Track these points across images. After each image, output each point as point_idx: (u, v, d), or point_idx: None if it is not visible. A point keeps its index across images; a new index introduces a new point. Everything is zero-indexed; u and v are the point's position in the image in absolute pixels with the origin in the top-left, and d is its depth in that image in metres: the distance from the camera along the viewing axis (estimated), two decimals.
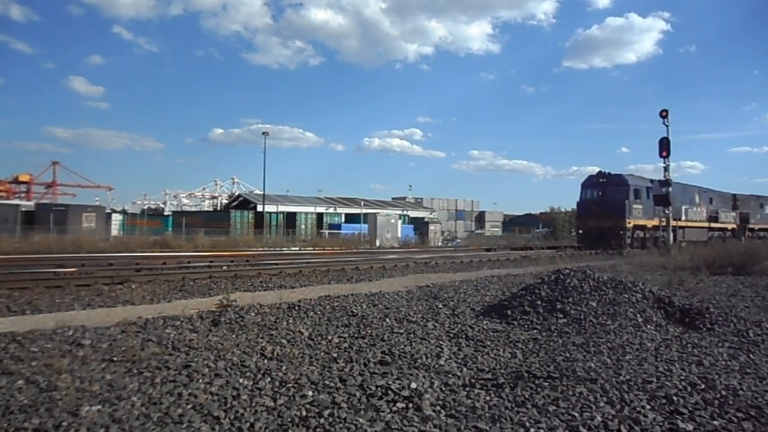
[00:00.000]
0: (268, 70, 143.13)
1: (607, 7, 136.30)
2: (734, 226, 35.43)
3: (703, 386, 4.23)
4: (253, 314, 6.95)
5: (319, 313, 7.27)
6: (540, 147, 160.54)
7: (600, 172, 28.36)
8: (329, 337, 5.83)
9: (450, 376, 4.49)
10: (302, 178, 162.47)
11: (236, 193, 72.56)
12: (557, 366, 4.76)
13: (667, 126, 23.38)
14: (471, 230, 73.03)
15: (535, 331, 6.46)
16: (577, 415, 3.59)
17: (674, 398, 3.92)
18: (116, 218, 41.23)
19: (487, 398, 3.94)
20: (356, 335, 6.02)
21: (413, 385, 4.10)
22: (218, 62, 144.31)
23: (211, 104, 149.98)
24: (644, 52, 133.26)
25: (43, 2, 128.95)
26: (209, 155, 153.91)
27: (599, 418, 3.51)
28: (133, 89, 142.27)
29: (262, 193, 48.13)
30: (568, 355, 5.26)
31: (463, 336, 6.10)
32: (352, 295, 9.04)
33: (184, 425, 3.32)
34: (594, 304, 7.06)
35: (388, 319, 6.90)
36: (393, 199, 71.62)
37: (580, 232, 29.31)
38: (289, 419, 3.45)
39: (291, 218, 44.10)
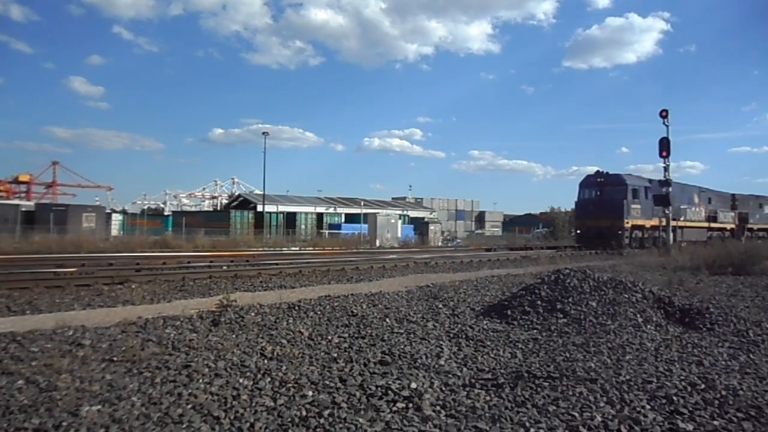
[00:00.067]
0: (268, 70, 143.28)
1: (607, 7, 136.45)
2: (733, 226, 35.40)
3: (703, 386, 4.23)
4: (253, 314, 6.95)
5: (319, 313, 7.27)
6: (540, 147, 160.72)
7: (598, 171, 28.33)
8: (329, 337, 5.83)
9: (450, 376, 4.49)
10: (302, 178, 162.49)
11: (236, 193, 72.58)
12: (557, 366, 4.76)
13: (667, 126, 23.37)
14: (471, 230, 73.04)
15: (535, 331, 6.46)
16: (577, 415, 3.59)
17: (674, 398, 3.92)
18: (116, 218, 41.22)
19: (487, 398, 3.94)
20: (356, 335, 6.02)
21: (413, 385, 4.10)
22: (218, 62, 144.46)
23: (211, 104, 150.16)
24: (644, 52, 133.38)
25: (43, 2, 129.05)
26: (209, 155, 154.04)
27: (599, 418, 3.51)
28: (133, 89, 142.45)
29: (262, 193, 48.15)
30: (568, 355, 5.26)
31: (463, 336, 6.10)
32: (352, 295, 9.04)
33: (184, 425, 3.32)
34: (594, 304, 7.06)
35: (388, 319, 6.90)
36: (393, 199, 71.62)
37: (578, 232, 29.21)
38: (289, 419, 3.45)
39: (291, 218, 44.10)
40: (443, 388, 4.14)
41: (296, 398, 3.85)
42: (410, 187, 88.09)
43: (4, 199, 60.09)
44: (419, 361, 4.93)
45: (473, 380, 4.38)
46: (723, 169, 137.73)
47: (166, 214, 62.99)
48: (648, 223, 27.53)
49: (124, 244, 23.66)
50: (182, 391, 3.93)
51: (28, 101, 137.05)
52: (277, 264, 14.55)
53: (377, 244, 31.02)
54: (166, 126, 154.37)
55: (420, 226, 40.14)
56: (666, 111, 23.43)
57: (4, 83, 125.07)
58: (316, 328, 6.35)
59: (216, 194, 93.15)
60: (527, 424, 3.42)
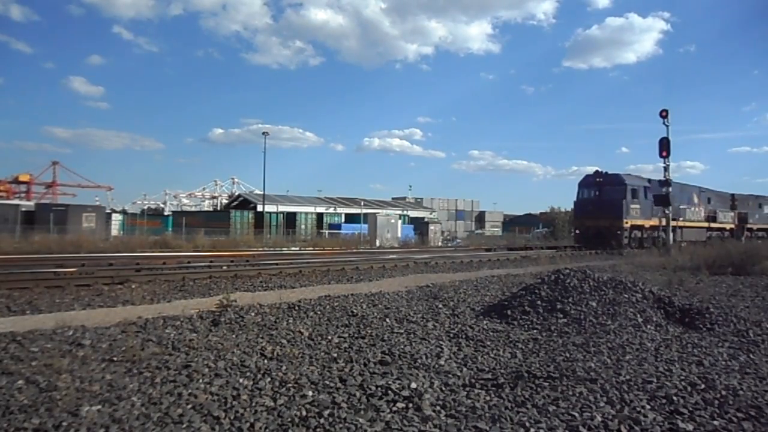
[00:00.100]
0: (268, 70, 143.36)
1: (607, 7, 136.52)
2: (732, 226, 35.36)
3: (703, 386, 4.23)
4: (253, 314, 6.95)
5: (319, 313, 7.27)
6: (540, 147, 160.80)
7: (597, 171, 28.25)
8: (329, 337, 5.83)
9: (450, 376, 4.49)
10: (302, 178, 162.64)
11: (236, 193, 72.58)
12: (557, 366, 4.76)
13: (667, 126, 23.37)
14: (471, 230, 73.05)
15: (535, 331, 6.46)
16: (577, 415, 3.59)
17: (674, 398, 3.92)
18: (116, 218, 41.23)
19: (487, 398, 3.94)
20: (356, 335, 6.02)
21: (413, 385, 4.10)
22: (218, 62, 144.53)
23: (211, 104, 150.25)
24: (644, 52, 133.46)
25: (43, 2, 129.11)
26: (209, 155, 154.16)
27: (599, 418, 3.51)
28: (133, 89, 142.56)
29: (262, 193, 48.15)
30: (568, 355, 5.26)
31: (463, 336, 6.10)
32: (352, 295, 9.04)
33: (184, 425, 3.32)
34: (594, 304, 7.06)
35: (388, 319, 6.90)
36: (393, 199, 71.62)
37: (577, 232, 29.11)
38: (289, 419, 3.45)
39: (291, 218, 44.11)
40: (443, 388, 4.14)
41: (296, 398, 3.85)
42: (410, 187, 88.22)
43: (4, 199, 60.11)
44: (419, 361, 4.93)
45: (473, 380, 4.38)
46: (723, 169, 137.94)
47: (166, 214, 62.99)
48: (647, 223, 27.49)
49: (124, 244, 23.66)
50: (182, 391, 3.93)
51: (28, 101, 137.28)
52: (277, 264, 14.54)
53: (377, 244, 31.02)
54: (166, 126, 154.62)
55: (420, 226, 40.13)
56: (666, 111, 23.44)
57: (4, 83, 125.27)
58: (316, 328, 6.35)
59: (216, 194, 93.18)
60: (527, 424, 3.42)
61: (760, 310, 8.36)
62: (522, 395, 3.98)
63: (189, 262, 14.91)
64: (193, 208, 79.10)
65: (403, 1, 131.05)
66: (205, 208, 79.38)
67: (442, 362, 4.91)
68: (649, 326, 6.55)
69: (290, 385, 4.15)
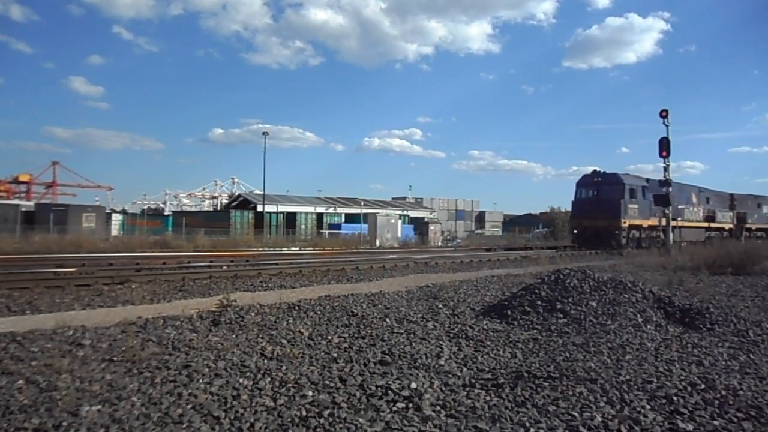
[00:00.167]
0: (268, 70, 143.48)
1: (607, 7, 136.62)
2: (731, 226, 35.29)
3: (703, 386, 4.23)
4: (253, 314, 6.95)
5: (319, 313, 7.27)
6: (540, 147, 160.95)
7: (595, 171, 28.05)
8: (329, 337, 5.83)
9: (450, 376, 4.49)
10: (302, 178, 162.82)
11: (236, 193, 72.58)
12: (557, 366, 4.76)
13: (667, 126, 23.36)
14: (471, 230, 73.02)
15: (535, 331, 6.46)
16: (577, 415, 3.59)
17: (674, 398, 3.92)
18: (116, 218, 41.22)
19: (487, 398, 3.94)
20: (356, 335, 6.01)
21: (413, 385, 4.10)
22: (218, 62, 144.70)
23: (211, 104, 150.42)
24: (644, 52, 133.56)
25: (43, 2, 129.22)
26: (209, 155, 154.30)
27: (599, 418, 3.51)
28: (133, 89, 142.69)
29: (262, 193, 48.14)
30: (568, 355, 5.26)
31: (463, 336, 6.10)
32: (352, 295, 9.03)
33: (184, 425, 3.32)
34: (594, 304, 7.06)
35: (388, 319, 6.90)
36: (393, 199, 71.61)
37: (575, 231, 28.88)
38: (289, 419, 3.45)
39: (291, 218, 44.11)
40: (443, 388, 4.14)
41: (296, 398, 3.85)
42: (410, 187, 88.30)
43: (4, 199, 60.14)
44: (419, 361, 4.92)
45: (473, 380, 4.38)
46: (723, 169, 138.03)
47: (166, 214, 63.01)
48: (645, 223, 27.43)
49: (124, 244, 23.66)
50: (182, 391, 3.93)
51: (28, 101, 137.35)
52: (277, 264, 14.54)
53: (377, 244, 31.02)
54: (166, 126, 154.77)
55: (420, 226, 40.13)
56: (666, 111, 23.43)
57: (4, 83, 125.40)
58: (316, 328, 6.35)
59: (216, 194, 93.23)
60: (527, 424, 3.42)
61: (760, 310, 8.36)
62: (522, 395, 3.98)
63: (189, 262, 14.91)
64: (193, 208, 79.13)
65: (403, 1, 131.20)
66: (205, 208, 79.40)
67: (442, 362, 4.91)
68: (649, 326, 6.55)
69: (290, 385, 4.15)
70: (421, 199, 75.07)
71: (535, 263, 17.92)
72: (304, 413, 3.55)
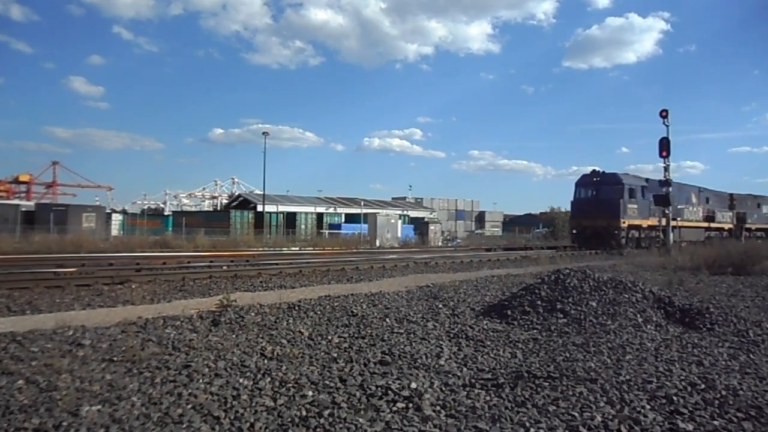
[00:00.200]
0: (268, 70, 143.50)
1: (607, 7, 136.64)
2: (731, 226, 35.26)
3: (703, 386, 4.23)
4: (253, 314, 6.95)
5: (319, 313, 7.27)
6: (540, 147, 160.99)
7: (594, 170, 27.96)
8: (329, 337, 5.83)
9: (450, 376, 4.49)
10: (302, 178, 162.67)
11: (236, 193, 72.57)
12: (557, 366, 4.76)
13: (667, 126, 23.37)
14: (471, 230, 73.02)
15: (535, 331, 6.46)
16: (577, 415, 3.59)
17: (674, 398, 3.92)
18: (116, 218, 41.22)
19: (487, 398, 3.94)
20: (356, 335, 6.01)
21: (413, 385, 4.10)
22: (218, 62, 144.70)
23: (211, 104, 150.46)
24: (644, 52, 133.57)
25: (43, 2, 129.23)
26: (209, 155, 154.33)
27: (599, 418, 3.51)
28: (133, 89, 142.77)
29: (262, 193, 48.14)
30: (568, 355, 5.26)
31: (463, 336, 6.10)
32: (352, 295, 9.03)
33: (184, 425, 3.32)
34: (594, 304, 7.06)
35: (388, 319, 6.90)
36: (393, 199, 71.60)
37: (574, 231, 28.75)
38: (289, 419, 3.45)
39: (291, 218, 44.11)
40: (443, 388, 4.14)
41: (296, 398, 3.85)
42: (410, 187, 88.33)
43: (4, 199, 60.13)
44: (419, 361, 4.93)
45: (473, 380, 4.38)
46: (723, 169, 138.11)
47: (166, 214, 63.02)
48: (645, 223, 27.38)
49: (124, 244, 23.66)
50: (182, 391, 3.93)
51: (28, 101, 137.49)
52: (277, 264, 14.54)
53: (377, 244, 31.01)
54: (166, 126, 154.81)
55: (420, 226, 40.12)
56: (666, 111, 23.43)
57: (4, 83, 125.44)
58: (316, 328, 6.35)
59: (216, 194, 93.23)
60: (527, 424, 3.42)
61: (760, 310, 8.36)
62: (522, 395, 3.98)
63: (189, 262, 14.91)
64: (193, 208, 79.14)
65: (403, 1, 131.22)
66: (205, 208, 79.40)
67: (442, 362, 4.91)
68: (649, 326, 6.55)
69: (290, 385, 4.15)
70: (421, 199, 75.07)
71: (535, 263, 17.92)
72: (304, 413, 3.55)
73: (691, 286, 11.25)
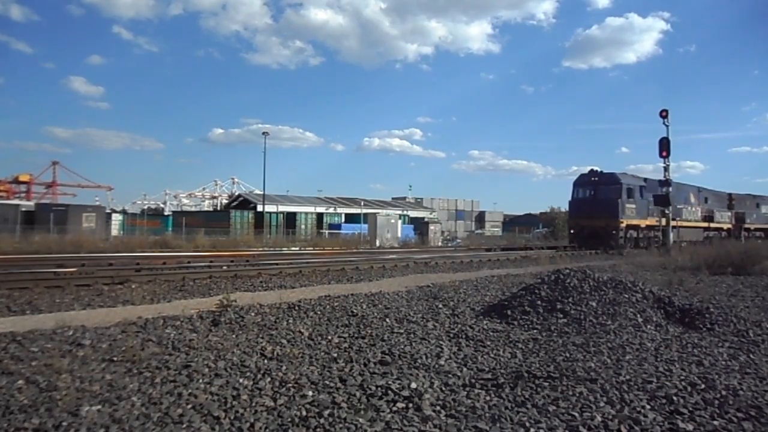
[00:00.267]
0: (268, 70, 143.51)
1: (607, 7, 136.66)
2: (730, 225, 35.21)
3: (703, 386, 4.23)
4: (253, 314, 6.95)
5: (319, 313, 7.27)
6: (540, 147, 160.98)
7: (592, 170, 27.84)
8: (329, 337, 5.83)
9: (450, 376, 4.49)
10: (302, 178, 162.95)
11: (236, 193, 72.57)
12: (557, 366, 4.76)
13: (667, 126, 23.41)
14: (471, 230, 73.00)
15: (535, 331, 6.46)
16: (577, 415, 3.59)
17: (674, 398, 3.92)
18: (116, 218, 41.22)
19: (487, 398, 3.94)
20: (356, 335, 6.02)
21: (413, 385, 4.10)
22: (218, 62, 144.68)
23: (211, 104, 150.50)
24: (644, 52, 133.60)
25: (43, 2, 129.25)
26: (209, 155, 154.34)
27: (599, 418, 3.51)
28: (133, 89, 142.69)
29: (262, 193, 48.14)
30: (568, 355, 5.26)
31: (463, 336, 6.10)
32: (352, 295, 9.03)
33: (184, 425, 3.32)
34: (594, 304, 7.06)
35: (388, 319, 6.90)
36: (393, 199, 71.59)
37: (572, 231, 28.55)
38: (289, 419, 3.45)
39: (291, 218, 44.10)
40: (443, 388, 4.14)
41: (296, 398, 3.85)
42: (410, 187, 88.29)
43: (4, 199, 60.15)
44: (419, 361, 4.93)
45: (473, 380, 4.38)
46: (723, 169, 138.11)
47: (166, 214, 63.03)
48: (643, 223, 27.33)
49: (124, 244, 23.66)
50: (182, 391, 3.93)
51: (28, 101, 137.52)
52: (277, 264, 14.54)
53: (377, 244, 31.01)
54: (166, 126, 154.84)
55: (420, 226, 40.10)
56: (666, 111, 23.46)
57: (4, 83, 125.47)
58: (316, 328, 6.35)
59: (216, 194, 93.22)
60: (527, 424, 3.42)
61: (760, 310, 8.36)
62: (522, 395, 3.98)
63: (189, 262, 14.90)
64: (193, 208, 79.12)
65: (403, 1, 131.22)
66: (205, 208, 79.38)
67: (442, 362, 4.91)
68: (649, 326, 6.55)
69: (290, 385, 4.15)
70: (421, 199, 75.05)
71: (535, 263, 17.92)
72: (304, 413, 3.55)
73: (691, 286, 11.26)
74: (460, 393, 4.04)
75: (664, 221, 24.93)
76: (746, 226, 36.27)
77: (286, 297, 8.53)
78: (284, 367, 4.61)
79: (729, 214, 35.79)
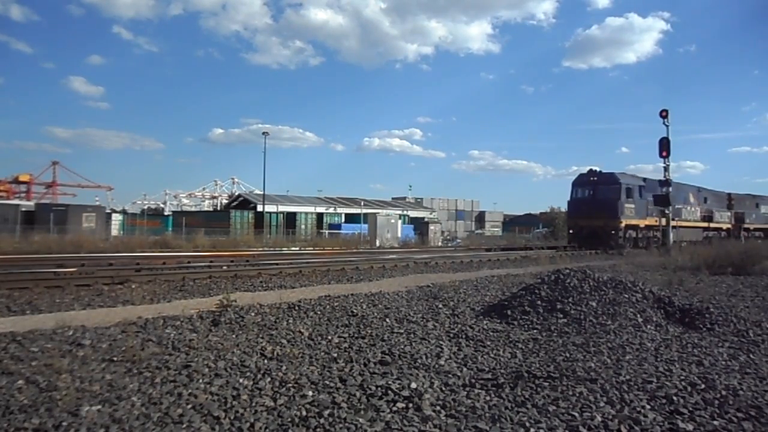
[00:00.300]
0: (268, 70, 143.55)
1: (607, 7, 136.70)
2: (729, 225, 35.18)
3: (703, 386, 4.23)
4: (253, 314, 6.95)
5: (319, 313, 7.27)
6: (540, 147, 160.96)
7: (591, 170, 27.78)
8: (329, 337, 5.83)
9: (450, 376, 4.49)
10: (302, 178, 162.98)
11: (236, 193, 72.57)
12: (557, 366, 4.76)
13: (667, 126, 23.40)
14: (471, 230, 72.99)
15: (535, 331, 6.46)
16: (577, 415, 3.59)
17: (674, 398, 3.92)
18: (116, 218, 41.24)
19: (487, 398, 3.94)
20: (356, 335, 6.02)
21: (413, 385, 4.10)
22: (218, 62, 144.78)
23: (211, 104, 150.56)
24: (644, 52, 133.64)
25: (43, 2, 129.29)
26: (209, 155, 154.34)
27: (599, 418, 3.51)
28: (133, 89, 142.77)
29: (262, 193, 48.14)
30: (568, 355, 5.26)
31: (463, 336, 6.10)
32: (352, 295, 9.03)
33: (184, 425, 3.32)
34: (594, 304, 7.06)
35: (388, 319, 6.90)
36: (393, 199, 71.59)
37: (571, 231, 28.44)
38: (289, 419, 3.45)
39: (291, 218, 44.11)
40: (443, 388, 4.14)
41: (296, 398, 3.85)
42: (410, 187, 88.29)
43: (4, 199, 60.17)
44: (419, 361, 4.93)
45: (473, 380, 4.38)
46: (723, 169, 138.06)
47: (166, 214, 63.04)
48: (642, 223, 27.30)
49: (124, 244, 23.66)
50: (182, 391, 3.93)
51: (28, 101, 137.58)
52: (277, 264, 14.54)
53: (377, 244, 31.00)
54: (166, 126, 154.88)
55: (420, 226, 40.10)
56: (666, 111, 23.46)
57: (4, 83, 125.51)
58: (316, 328, 6.35)
59: (216, 194, 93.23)
60: (527, 424, 3.42)
61: (760, 310, 8.36)
62: (522, 395, 3.98)
63: (189, 262, 14.90)
64: (193, 208, 79.13)
65: (403, 1, 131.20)
66: (205, 208, 79.39)
67: (442, 362, 4.91)
68: (649, 326, 6.55)
69: (290, 385, 4.15)
70: (421, 199, 75.04)
71: (535, 263, 17.92)
72: (304, 413, 3.55)
73: (691, 286, 11.26)
74: (460, 393, 4.04)
75: (663, 221, 24.92)
76: (746, 226, 36.26)
77: (286, 297, 8.53)
78: (284, 367, 4.61)
79: (728, 214, 35.78)
